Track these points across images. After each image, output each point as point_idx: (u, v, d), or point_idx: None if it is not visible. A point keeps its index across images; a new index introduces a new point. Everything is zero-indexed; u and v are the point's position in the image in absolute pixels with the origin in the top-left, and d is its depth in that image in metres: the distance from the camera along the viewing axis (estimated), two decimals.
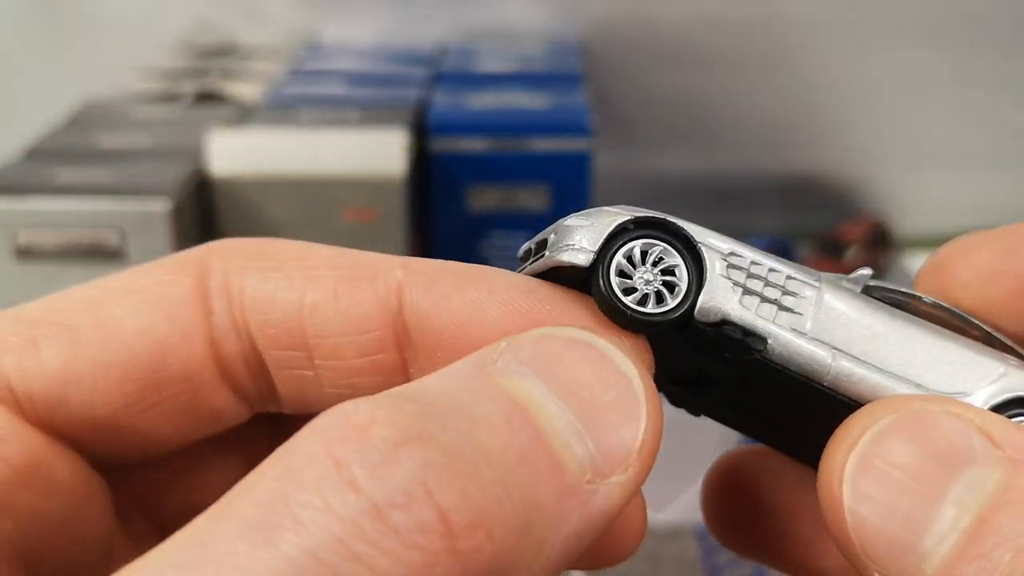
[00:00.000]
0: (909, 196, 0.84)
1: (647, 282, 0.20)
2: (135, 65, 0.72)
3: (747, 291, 0.21)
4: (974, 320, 0.22)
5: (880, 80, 0.81)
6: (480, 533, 0.16)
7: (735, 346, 0.21)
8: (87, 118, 0.62)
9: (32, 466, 0.20)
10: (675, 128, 0.82)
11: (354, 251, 0.22)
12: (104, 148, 0.57)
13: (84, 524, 0.21)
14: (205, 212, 0.54)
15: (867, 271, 0.22)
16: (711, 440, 0.34)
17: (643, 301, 0.20)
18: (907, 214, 0.83)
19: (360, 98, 0.62)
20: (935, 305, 0.23)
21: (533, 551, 0.17)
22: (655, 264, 0.21)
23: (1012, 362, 0.22)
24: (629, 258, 0.21)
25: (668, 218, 0.21)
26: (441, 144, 0.59)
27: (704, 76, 0.80)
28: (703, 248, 0.21)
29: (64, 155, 0.55)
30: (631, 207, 0.21)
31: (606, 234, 0.21)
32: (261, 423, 0.23)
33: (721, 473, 0.27)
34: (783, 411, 0.23)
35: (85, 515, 0.21)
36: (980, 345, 0.22)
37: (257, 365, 0.22)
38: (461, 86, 0.65)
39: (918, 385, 0.21)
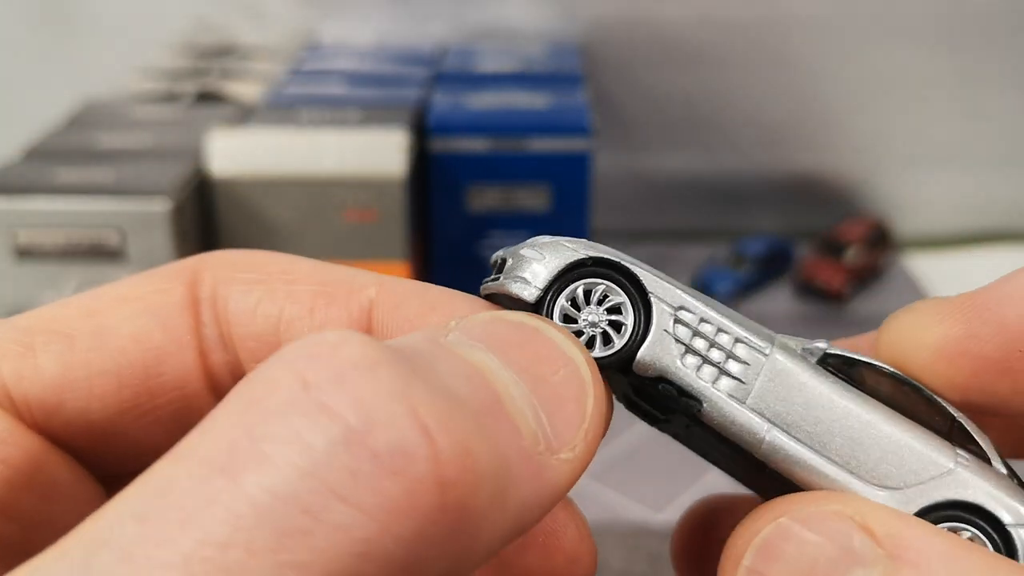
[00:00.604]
0: (909, 196, 0.84)
1: (592, 324, 0.20)
2: (135, 65, 0.72)
3: (690, 350, 0.21)
4: (935, 398, 0.21)
5: (880, 80, 0.81)
6: (468, 462, 0.15)
7: (671, 401, 0.21)
8: (87, 118, 0.62)
9: (33, 469, 0.20)
10: (675, 128, 0.82)
11: (336, 267, 0.22)
12: (104, 148, 0.57)
13: None
14: (205, 212, 0.54)
15: (823, 343, 0.21)
16: None
17: (590, 341, 0.20)
18: (907, 214, 0.83)
19: (360, 98, 0.62)
20: (894, 376, 0.22)
21: (499, 503, 0.16)
22: (600, 302, 0.20)
23: (962, 459, 0.21)
24: (574, 299, 0.20)
25: (623, 261, 0.21)
26: (441, 144, 0.59)
27: (704, 76, 0.80)
28: (653, 299, 0.21)
29: (64, 155, 0.55)
30: (590, 243, 0.21)
31: (556, 271, 0.20)
32: None
33: (692, 520, 0.26)
34: (732, 457, 0.22)
35: (85, 518, 0.21)
36: (930, 436, 0.21)
37: (242, 376, 0.22)
38: (461, 86, 0.65)
39: (850, 472, 0.20)
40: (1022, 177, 0.84)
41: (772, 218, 0.83)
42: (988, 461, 0.21)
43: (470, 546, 0.16)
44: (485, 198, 0.60)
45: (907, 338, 0.22)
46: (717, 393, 0.20)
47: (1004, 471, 0.21)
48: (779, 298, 0.73)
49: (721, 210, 0.84)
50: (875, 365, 0.22)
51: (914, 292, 0.75)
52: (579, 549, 0.21)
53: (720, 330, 0.21)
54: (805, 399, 0.21)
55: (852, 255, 0.74)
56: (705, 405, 0.20)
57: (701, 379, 0.20)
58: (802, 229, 0.80)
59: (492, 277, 0.21)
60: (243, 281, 0.21)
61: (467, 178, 0.59)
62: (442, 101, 0.62)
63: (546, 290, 0.20)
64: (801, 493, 0.20)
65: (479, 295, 0.22)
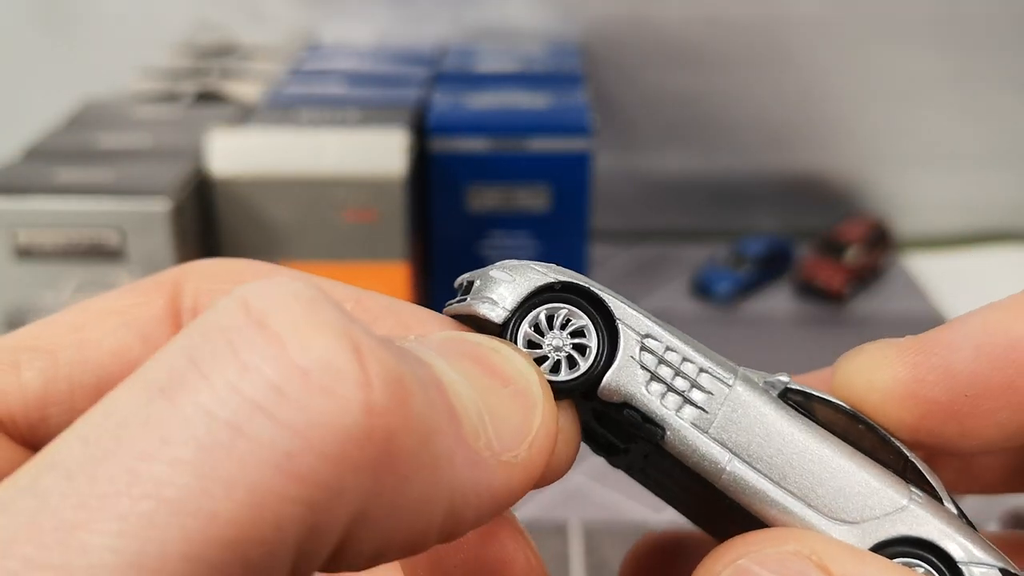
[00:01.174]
0: (909, 196, 0.84)
1: (556, 348, 0.20)
2: (135, 65, 0.72)
3: (655, 378, 0.21)
4: (889, 437, 0.22)
5: (880, 80, 0.81)
6: (399, 395, 0.15)
7: (635, 428, 0.21)
8: (87, 118, 0.62)
9: None
10: (675, 128, 0.82)
11: (318, 278, 0.22)
12: (104, 148, 0.57)
13: None
14: (205, 212, 0.54)
15: (785, 377, 0.22)
16: None
17: (555, 366, 0.20)
18: (907, 214, 0.83)
19: (360, 98, 0.62)
20: (850, 414, 0.22)
21: (429, 461, 0.16)
22: (565, 327, 0.21)
23: (916, 496, 0.21)
24: (536, 325, 0.21)
25: (592, 287, 0.21)
26: (441, 144, 0.59)
27: (704, 76, 0.80)
28: (620, 325, 0.21)
29: (64, 155, 0.55)
30: (559, 268, 0.21)
31: (524, 294, 0.21)
32: None
33: (638, 554, 0.27)
34: (688, 490, 0.23)
35: None
36: (885, 472, 0.21)
37: None
38: (461, 86, 0.65)
39: (808, 505, 0.21)
40: (1022, 177, 0.84)
41: (772, 218, 0.83)
42: (940, 500, 0.22)
43: (397, 492, 0.16)
44: (485, 198, 0.60)
45: (858, 380, 0.22)
46: (681, 421, 0.21)
47: (955, 510, 0.22)
48: (779, 298, 0.73)
49: (721, 210, 0.84)
50: (833, 402, 0.22)
51: (914, 292, 0.75)
52: None
53: (685, 359, 0.21)
54: (767, 431, 0.21)
55: (852, 255, 0.74)
56: (668, 433, 0.21)
57: (665, 407, 0.21)
58: (802, 229, 0.80)
59: (459, 299, 0.22)
60: (223, 293, 0.22)
61: (467, 178, 0.59)
62: (442, 101, 0.62)
63: (513, 312, 0.20)
64: (759, 532, 0.21)
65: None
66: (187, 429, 0.14)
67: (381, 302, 0.22)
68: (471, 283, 0.21)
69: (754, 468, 0.21)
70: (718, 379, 0.21)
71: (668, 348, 0.21)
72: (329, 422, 0.15)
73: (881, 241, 0.76)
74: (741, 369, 0.21)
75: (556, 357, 0.20)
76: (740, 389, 0.21)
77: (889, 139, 0.83)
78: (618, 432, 0.22)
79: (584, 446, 0.22)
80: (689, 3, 0.78)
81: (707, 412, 0.21)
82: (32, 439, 0.21)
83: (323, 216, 0.54)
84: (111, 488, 0.14)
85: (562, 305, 0.21)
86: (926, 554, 0.21)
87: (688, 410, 0.21)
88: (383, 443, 0.15)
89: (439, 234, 0.61)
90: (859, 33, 0.79)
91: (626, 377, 0.21)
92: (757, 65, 0.80)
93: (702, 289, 0.73)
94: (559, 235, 0.61)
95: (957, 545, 0.21)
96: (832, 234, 0.76)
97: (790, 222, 0.83)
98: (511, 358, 0.19)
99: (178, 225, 0.50)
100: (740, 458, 0.21)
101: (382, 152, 0.54)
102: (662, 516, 0.50)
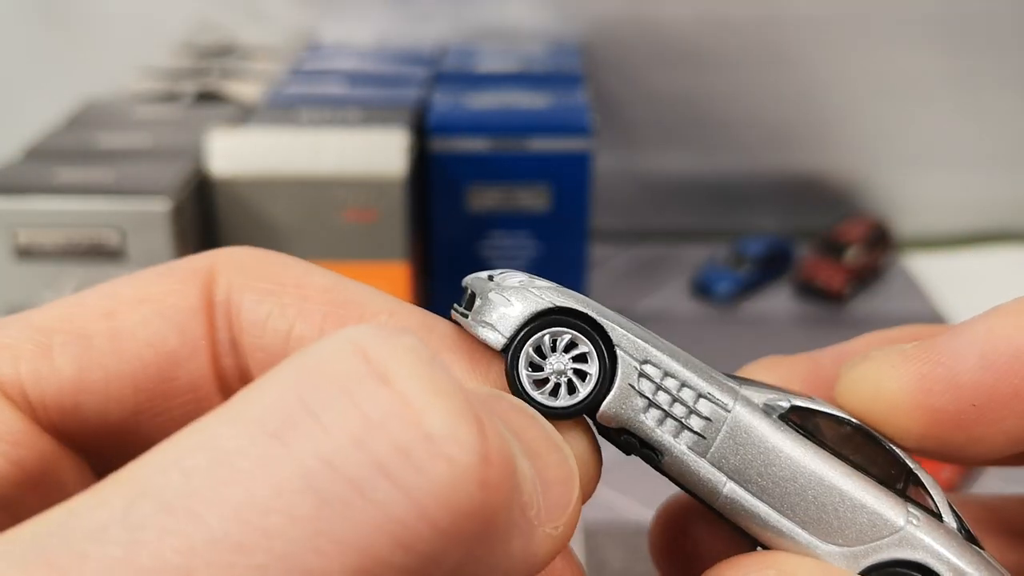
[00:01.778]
0: (909, 196, 0.84)
1: (558, 372, 0.21)
2: (135, 65, 0.72)
3: (653, 404, 0.21)
4: (892, 449, 0.22)
5: (880, 80, 0.81)
6: (510, 470, 0.15)
7: (633, 450, 0.21)
8: (87, 118, 0.62)
9: (43, 471, 0.20)
10: (675, 128, 0.82)
11: (351, 284, 0.22)
12: (104, 148, 0.57)
13: None
14: (205, 212, 0.54)
15: (785, 403, 0.22)
16: None
17: (555, 389, 0.21)
18: (907, 214, 0.83)
19: (360, 98, 0.62)
20: (853, 426, 0.22)
21: (512, 533, 0.16)
22: (567, 350, 0.21)
23: (913, 518, 0.21)
24: (539, 347, 0.21)
25: (590, 311, 0.21)
26: (441, 144, 0.59)
27: (704, 76, 0.80)
28: (619, 351, 0.21)
29: (64, 155, 0.55)
30: (558, 289, 0.21)
31: (523, 319, 0.21)
32: None
33: (666, 515, 0.27)
34: None
35: None
36: (884, 493, 0.21)
37: (251, 381, 0.22)
38: (461, 86, 0.65)
39: (804, 528, 0.21)
40: (1022, 177, 0.84)
41: (772, 218, 0.83)
42: (940, 516, 0.22)
43: (479, 562, 0.16)
44: (485, 198, 0.60)
45: (863, 389, 0.22)
46: (678, 447, 0.21)
47: (954, 525, 0.22)
48: (779, 298, 0.73)
49: (721, 210, 0.84)
50: (836, 416, 0.22)
51: (914, 292, 0.75)
52: None
53: (684, 385, 0.21)
54: (764, 455, 0.21)
55: (852, 255, 0.74)
56: (666, 457, 0.21)
57: (663, 433, 0.21)
58: (802, 229, 0.80)
59: (462, 310, 0.22)
60: (256, 290, 0.21)
61: (467, 178, 0.59)
62: (442, 101, 0.62)
63: (512, 338, 0.20)
64: (743, 556, 0.21)
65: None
66: (305, 480, 0.14)
67: (415, 317, 0.22)
68: (473, 296, 0.21)
69: (750, 492, 0.21)
70: (717, 404, 0.21)
71: (666, 374, 0.21)
72: (447, 493, 0.14)
73: (881, 241, 0.76)
74: (742, 390, 0.21)
75: (557, 380, 0.21)
76: (739, 413, 0.21)
77: (889, 139, 0.83)
78: (619, 446, 0.22)
79: None
80: (689, 3, 0.78)
81: (704, 438, 0.21)
82: (62, 428, 0.20)
83: (323, 216, 0.54)
84: (219, 534, 0.13)
85: (563, 329, 0.21)
86: None
87: (686, 436, 0.21)
88: (488, 519, 0.15)
89: (439, 234, 0.61)
90: (859, 33, 0.79)
91: (624, 404, 0.21)
92: (758, 65, 0.80)
93: (702, 289, 0.73)
94: (559, 235, 0.61)
95: (950, 569, 0.21)
96: (832, 234, 0.76)
97: (790, 222, 0.83)
98: (547, 427, 0.19)
99: (178, 225, 0.50)
100: (737, 482, 0.21)
101: (382, 152, 0.54)
102: None
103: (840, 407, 0.22)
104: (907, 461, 0.22)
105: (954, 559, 0.21)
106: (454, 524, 0.14)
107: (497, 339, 0.20)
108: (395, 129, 0.55)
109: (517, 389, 0.20)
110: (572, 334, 0.21)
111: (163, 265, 0.22)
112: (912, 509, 0.21)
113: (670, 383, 0.21)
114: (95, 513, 0.14)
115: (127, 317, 0.21)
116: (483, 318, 0.21)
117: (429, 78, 0.67)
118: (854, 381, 0.22)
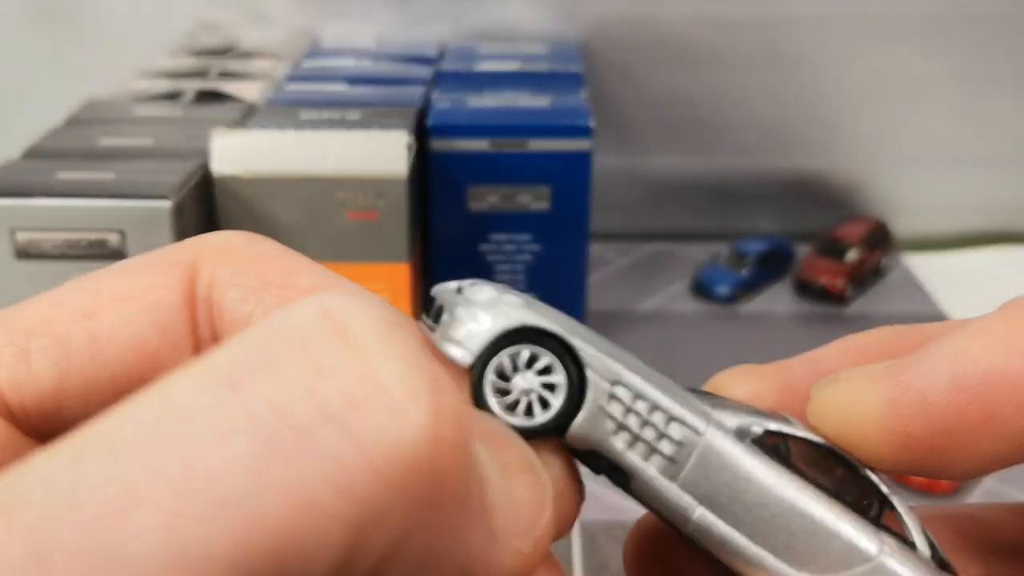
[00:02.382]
0: (909, 196, 0.84)
1: (526, 392, 0.20)
2: (136, 65, 0.72)
3: (622, 427, 0.20)
4: (866, 473, 0.22)
5: (880, 79, 0.81)
6: (461, 438, 0.15)
7: (602, 470, 0.21)
8: (88, 118, 0.62)
9: None
10: (675, 128, 0.82)
11: (340, 283, 0.21)
12: (105, 148, 0.57)
13: None
14: (206, 212, 0.54)
15: (758, 428, 0.21)
16: None
17: (526, 408, 0.20)
18: (907, 214, 0.83)
19: (361, 98, 0.62)
20: (829, 451, 0.22)
21: (460, 523, 0.16)
22: (534, 367, 0.20)
23: (887, 546, 0.21)
24: (508, 364, 0.20)
25: (560, 331, 0.20)
26: (441, 144, 0.59)
27: (704, 76, 0.80)
28: (589, 372, 0.20)
29: (65, 155, 0.55)
30: (530, 303, 0.21)
31: (490, 337, 0.20)
32: None
33: (639, 535, 0.26)
34: None
35: None
36: (857, 520, 0.21)
37: None
38: (461, 86, 0.65)
39: (775, 555, 0.21)
40: (1022, 177, 0.84)
41: (772, 218, 0.83)
42: (913, 544, 0.21)
43: (431, 534, 0.15)
44: (485, 198, 0.60)
45: (832, 414, 0.22)
46: (648, 470, 0.21)
47: (928, 553, 0.21)
48: (779, 298, 0.73)
49: (721, 210, 0.84)
50: (809, 440, 0.22)
51: (914, 292, 0.75)
52: None
53: (655, 407, 0.20)
54: (736, 481, 0.21)
55: (852, 255, 0.74)
56: (635, 481, 0.21)
57: (633, 456, 0.21)
58: (802, 229, 0.80)
59: (429, 323, 0.21)
60: (239, 287, 0.21)
61: (467, 178, 0.60)
62: (442, 101, 0.62)
63: (479, 356, 0.20)
64: None
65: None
66: (251, 423, 0.14)
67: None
68: (441, 309, 0.21)
69: (720, 517, 0.21)
70: (688, 427, 0.21)
71: (637, 396, 0.20)
72: (395, 444, 0.14)
73: (881, 241, 0.76)
74: (715, 413, 0.21)
75: (526, 400, 0.20)
76: (711, 438, 0.21)
77: (889, 139, 0.83)
78: (588, 466, 0.22)
79: None
80: (689, 3, 0.78)
81: (676, 462, 0.21)
82: (45, 432, 0.20)
83: (325, 216, 0.54)
84: (161, 477, 0.13)
85: (532, 347, 0.20)
86: None
87: (656, 459, 0.21)
88: (437, 480, 0.15)
89: (439, 234, 0.61)
90: (859, 33, 0.80)
91: (593, 426, 0.20)
92: (757, 65, 0.80)
93: (702, 289, 0.73)
94: (559, 235, 0.61)
95: None
96: (832, 234, 0.76)
97: (790, 222, 0.83)
98: (527, 450, 0.19)
99: (179, 225, 0.50)
100: (707, 507, 0.21)
101: (384, 152, 0.54)
102: None
103: (813, 429, 0.22)
104: (881, 487, 0.22)
105: None
106: (401, 477, 0.14)
107: (464, 357, 0.20)
108: (397, 129, 0.55)
109: (483, 406, 0.20)
110: (541, 352, 0.20)
111: (147, 255, 0.21)
112: (886, 537, 0.21)
113: (640, 406, 0.20)
114: (45, 464, 0.14)
115: (106, 317, 0.20)
116: (450, 334, 0.20)
117: (429, 78, 0.67)
118: (823, 406, 0.22)
